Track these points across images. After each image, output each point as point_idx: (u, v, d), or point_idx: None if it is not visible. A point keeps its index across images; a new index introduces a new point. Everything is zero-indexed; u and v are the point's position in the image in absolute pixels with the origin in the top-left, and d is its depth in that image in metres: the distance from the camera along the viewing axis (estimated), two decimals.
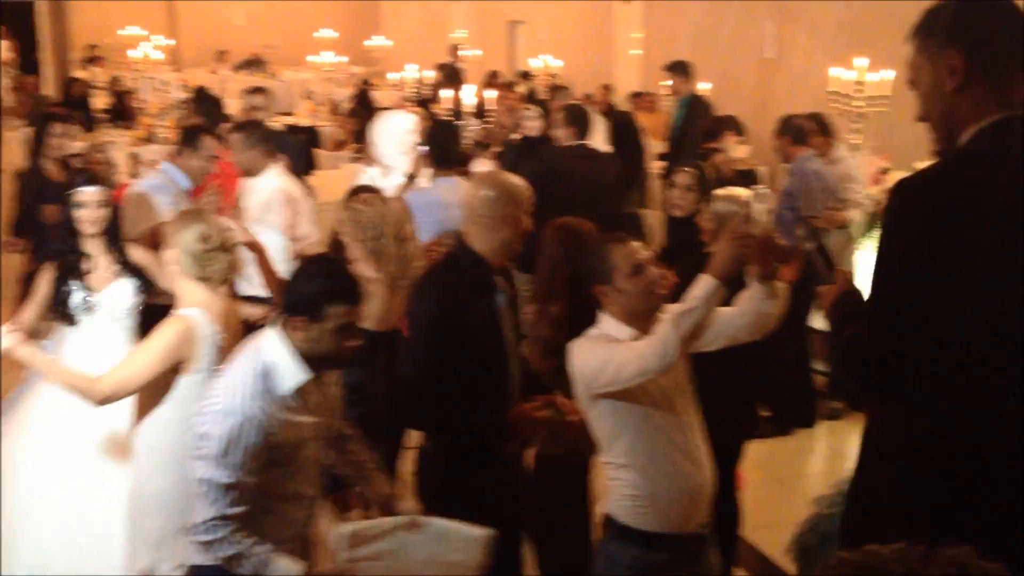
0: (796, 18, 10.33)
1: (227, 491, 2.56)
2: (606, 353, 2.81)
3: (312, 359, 2.68)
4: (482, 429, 3.20)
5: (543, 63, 13.86)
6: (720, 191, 4.11)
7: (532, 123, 6.89)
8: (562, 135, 6.16)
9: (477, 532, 2.93)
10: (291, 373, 2.66)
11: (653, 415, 2.87)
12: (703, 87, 9.32)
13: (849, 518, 2.13)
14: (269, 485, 2.65)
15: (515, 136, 7.49)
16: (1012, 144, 1.93)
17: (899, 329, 1.91)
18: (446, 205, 4.83)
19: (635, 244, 2.94)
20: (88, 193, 3.84)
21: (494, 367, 3.22)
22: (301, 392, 2.69)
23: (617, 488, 2.93)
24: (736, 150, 6.22)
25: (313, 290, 2.65)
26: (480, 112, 9.41)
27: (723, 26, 11.40)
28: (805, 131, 6.19)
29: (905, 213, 1.95)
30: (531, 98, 10.58)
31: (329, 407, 2.85)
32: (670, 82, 8.88)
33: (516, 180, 3.26)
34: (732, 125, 6.37)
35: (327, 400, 2.84)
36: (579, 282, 3.16)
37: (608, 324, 2.93)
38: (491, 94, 9.20)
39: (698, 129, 7.07)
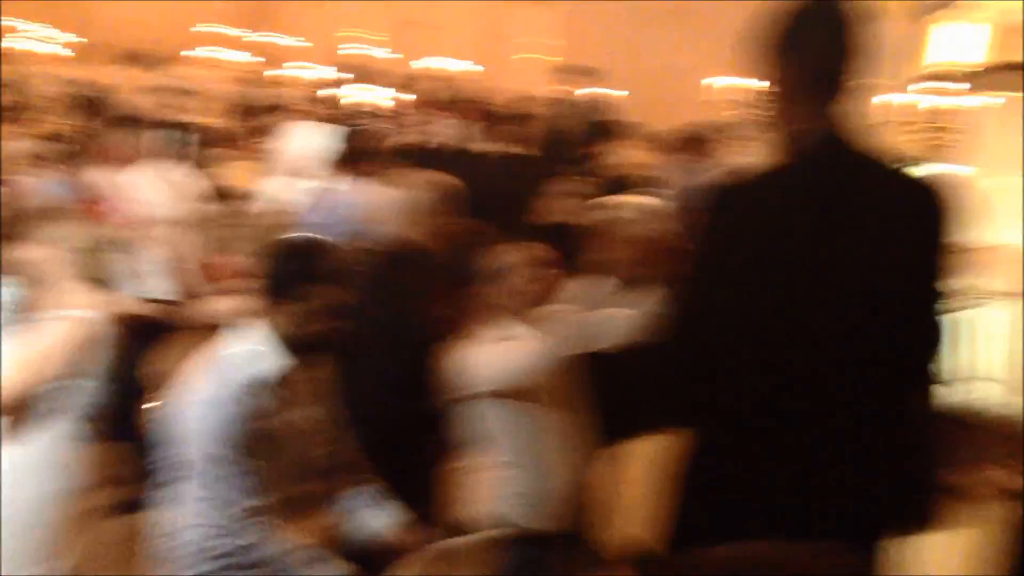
0: (696, 25, 10.50)
1: (240, 481, 2.43)
2: (487, 353, 2.82)
3: (297, 344, 2.55)
4: None
5: (437, 65, 13.81)
6: (603, 198, 4.15)
7: (436, 128, 6.99)
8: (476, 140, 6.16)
9: None
10: (275, 359, 2.53)
11: (538, 414, 2.89)
12: (597, 91, 9.38)
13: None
14: (267, 483, 2.51)
15: (421, 140, 7.48)
16: (803, 159, 1.95)
17: (688, 338, 1.93)
18: (353, 207, 4.80)
19: (505, 246, 2.96)
20: None
21: None
22: (288, 381, 2.56)
23: (499, 488, 2.94)
24: (623, 155, 6.32)
25: (294, 269, 2.55)
26: (380, 114, 9.34)
27: (623, 30, 11.53)
28: (687, 139, 6.32)
29: (703, 219, 1.98)
30: (432, 103, 10.54)
31: (320, 398, 2.71)
32: (563, 85, 8.90)
33: (453, 181, 3.31)
34: (619, 129, 6.46)
35: (316, 392, 2.70)
36: (458, 284, 3.16)
37: (490, 324, 2.93)
38: (386, 92, 9.15)
39: (586, 133, 7.14)
